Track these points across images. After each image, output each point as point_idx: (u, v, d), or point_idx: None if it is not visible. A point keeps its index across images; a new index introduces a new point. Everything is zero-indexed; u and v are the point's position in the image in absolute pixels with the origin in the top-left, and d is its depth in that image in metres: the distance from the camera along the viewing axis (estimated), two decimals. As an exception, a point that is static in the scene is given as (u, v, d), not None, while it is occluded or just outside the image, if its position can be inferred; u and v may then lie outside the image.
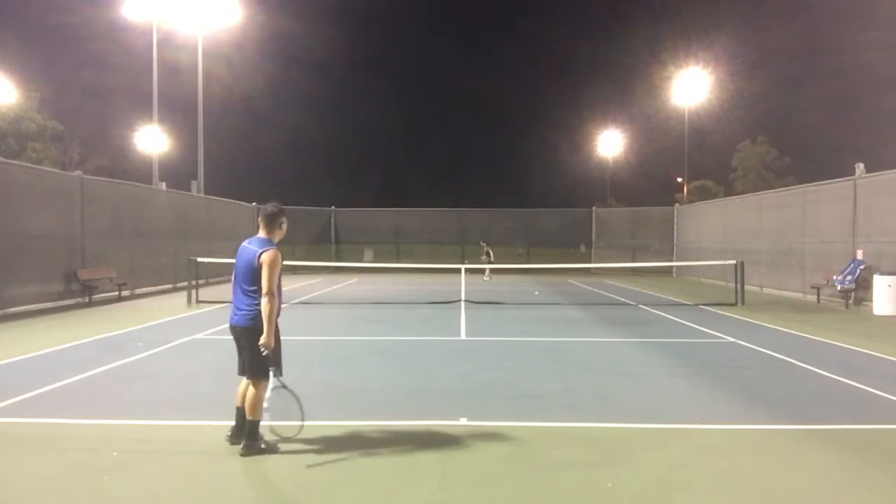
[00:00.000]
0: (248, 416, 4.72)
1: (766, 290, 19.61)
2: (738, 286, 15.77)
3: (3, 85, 35.62)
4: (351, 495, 4.08)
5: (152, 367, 7.90)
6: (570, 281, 24.37)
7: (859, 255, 15.10)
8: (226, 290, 19.01)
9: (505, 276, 26.14)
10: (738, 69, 51.95)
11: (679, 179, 48.63)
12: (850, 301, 15.07)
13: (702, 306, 15.32)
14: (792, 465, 4.63)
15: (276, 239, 4.90)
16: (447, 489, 4.13)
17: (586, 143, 70.12)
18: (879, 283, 13.64)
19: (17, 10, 64.02)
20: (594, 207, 34.62)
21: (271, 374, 4.76)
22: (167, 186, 22.10)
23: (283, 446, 4.83)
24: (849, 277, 14.94)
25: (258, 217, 4.99)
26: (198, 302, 15.12)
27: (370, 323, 12.23)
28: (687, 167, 40.56)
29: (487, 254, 24.49)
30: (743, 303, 15.48)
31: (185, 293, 15.86)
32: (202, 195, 25.58)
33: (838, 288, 15.20)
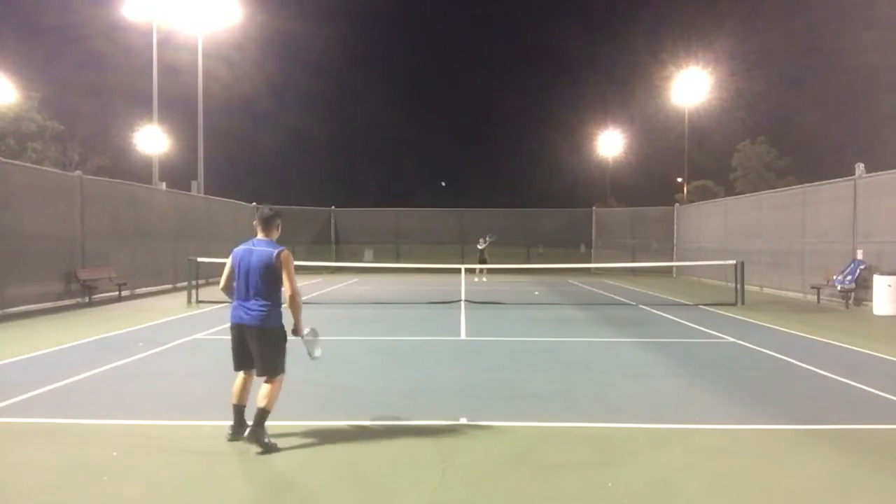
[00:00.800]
0: (262, 405, 4.77)
1: (766, 290, 19.61)
2: (738, 286, 15.77)
3: (3, 85, 35.62)
4: (351, 495, 4.08)
5: (152, 367, 7.90)
6: (570, 281, 24.37)
7: (859, 255, 15.10)
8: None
9: (505, 276, 26.15)
10: (738, 69, 51.86)
11: (679, 179, 48.70)
12: (850, 301, 15.07)
13: (702, 306, 15.32)
14: (792, 465, 4.63)
15: (275, 239, 5.08)
16: (447, 489, 4.13)
17: (586, 143, 70.14)
18: (879, 283, 13.64)
19: (17, 10, 64.02)
20: (594, 207, 34.63)
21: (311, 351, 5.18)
22: (167, 186, 22.10)
23: (282, 446, 4.83)
24: (849, 277, 14.94)
25: (255, 220, 5.12)
26: (198, 302, 15.13)
27: (370, 323, 12.23)
28: (687, 167, 40.59)
29: (482, 251, 24.44)
30: (743, 303, 15.49)
31: (185, 293, 15.86)
32: (202, 195, 25.58)
33: (838, 288, 15.20)
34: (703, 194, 46.92)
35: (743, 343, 9.88)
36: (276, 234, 5.09)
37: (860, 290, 14.81)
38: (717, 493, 4.11)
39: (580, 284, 22.77)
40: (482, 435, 5.21)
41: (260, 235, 5.04)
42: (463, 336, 10.66)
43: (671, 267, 27.53)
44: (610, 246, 30.96)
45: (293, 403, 6.20)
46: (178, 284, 19.39)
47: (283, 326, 4.94)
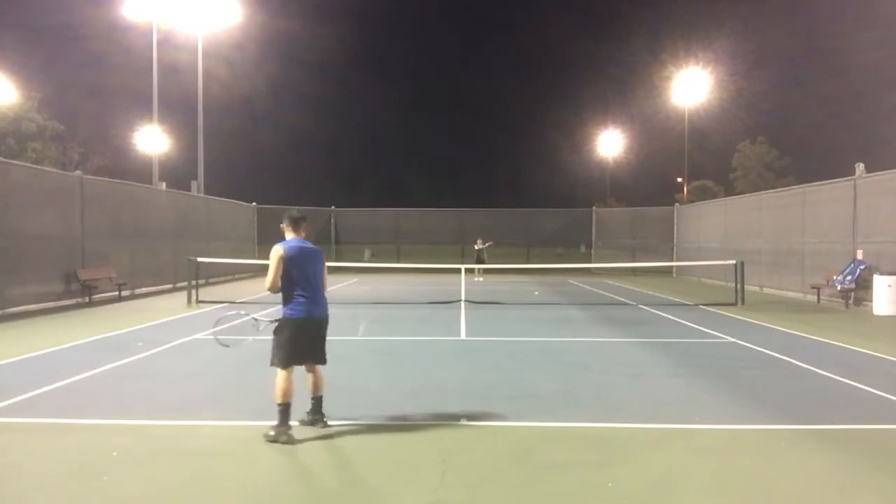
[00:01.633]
0: (322, 392, 5.28)
1: (766, 290, 19.61)
2: (738, 286, 15.77)
3: (3, 85, 35.61)
4: (351, 495, 4.08)
5: (152, 367, 7.90)
6: (571, 281, 24.37)
7: (859, 255, 15.10)
8: (226, 291, 19.07)
9: (505, 276, 26.15)
10: (738, 69, 51.82)
11: (679, 179, 48.66)
12: (850, 301, 15.07)
13: (702, 306, 15.32)
14: (792, 465, 4.63)
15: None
16: (447, 489, 4.13)
17: (586, 143, 70.06)
18: (879, 283, 13.64)
19: (17, 10, 64.04)
20: (594, 207, 34.63)
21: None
22: (167, 186, 22.10)
23: (282, 446, 4.84)
24: (849, 277, 14.94)
25: (284, 222, 5.39)
26: (198, 302, 15.13)
27: (370, 323, 12.23)
28: (687, 167, 40.58)
29: (480, 251, 24.61)
30: (743, 303, 15.48)
31: (185, 293, 15.86)
32: (202, 195, 25.58)
33: (838, 288, 15.20)
34: (703, 194, 46.92)
35: (743, 343, 9.88)
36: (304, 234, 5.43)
37: (860, 290, 14.81)
38: (717, 493, 4.11)
39: (580, 284, 22.77)
40: (482, 435, 5.21)
41: (293, 235, 5.32)
42: (463, 336, 10.66)
43: (671, 267, 27.54)
44: (610, 246, 30.96)
45: (293, 403, 6.21)
46: (178, 284, 19.39)
47: None
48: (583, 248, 32.65)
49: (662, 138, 57.81)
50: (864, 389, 6.87)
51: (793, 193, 19.47)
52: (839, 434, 5.34)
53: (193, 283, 15.68)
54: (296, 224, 5.37)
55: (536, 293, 19.09)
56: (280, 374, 5.05)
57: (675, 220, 28.96)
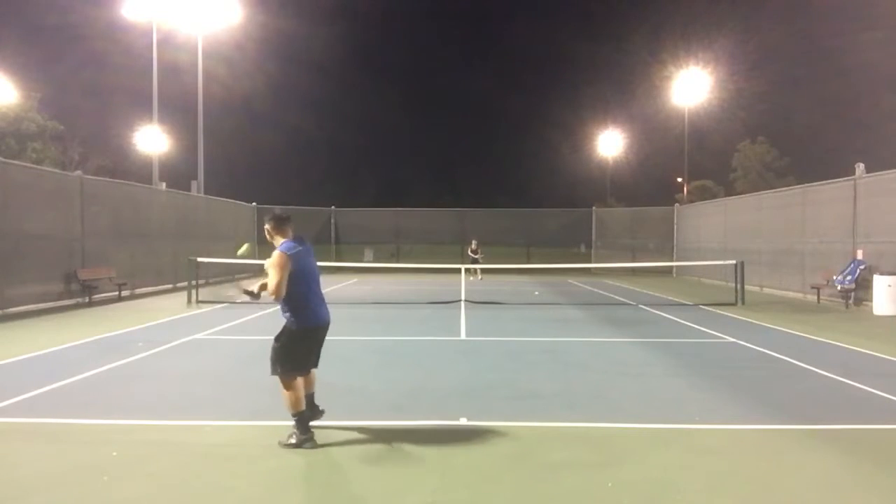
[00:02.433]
0: (313, 389, 5.23)
1: (766, 290, 19.61)
2: (738, 286, 15.77)
3: (3, 85, 35.61)
4: (351, 495, 4.08)
5: (152, 367, 7.90)
6: (571, 281, 24.37)
7: (859, 255, 15.10)
8: (225, 291, 19.03)
9: (505, 276, 26.15)
10: (738, 69, 51.88)
11: (679, 179, 48.64)
12: (850, 301, 15.07)
13: (702, 306, 15.32)
14: (792, 465, 4.63)
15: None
16: (447, 489, 4.13)
17: (586, 143, 70.12)
18: (879, 283, 13.64)
19: (17, 10, 64.00)
20: (594, 207, 34.61)
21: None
22: (167, 186, 22.09)
23: (281, 446, 4.83)
24: (849, 277, 14.93)
25: (270, 224, 5.09)
26: (198, 302, 15.13)
27: (370, 323, 12.23)
28: (687, 167, 40.59)
29: (474, 252, 24.87)
30: (743, 303, 15.48)
31: (185, 293, 15.86)
32: (202, 195, 25.58)
33: (838, 288, 15.20)
34: (703, 194, 46.93)
35: (743, 343, 9.88)
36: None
37: (860, 290, 14.81)
38: (717, 493, 4.11)
39: (580, 284, 22.76)
40: (482, 435, 5.21)
41: (283, 237, 5.01)
42: (463, 336, 10.66)
43: (671, 267, 27.53)
44: (610, 246, 30.96)
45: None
46: (178, 284, 19.38)
47: None
48: (583, 248, 32.65)
49: (662, 138, 57.84)
50: (864, 389, 6.87)
51: (793, 193, 19.47)
52: (839, 434, 5.34)
53: (193, 283, 15.68)
54: (284, 224, 5.05)
55: (536, 293, 19.09)
56: (291, 384, 4.86)
57: (675, 220, 28.96)
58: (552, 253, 31.23)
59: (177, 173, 37.28)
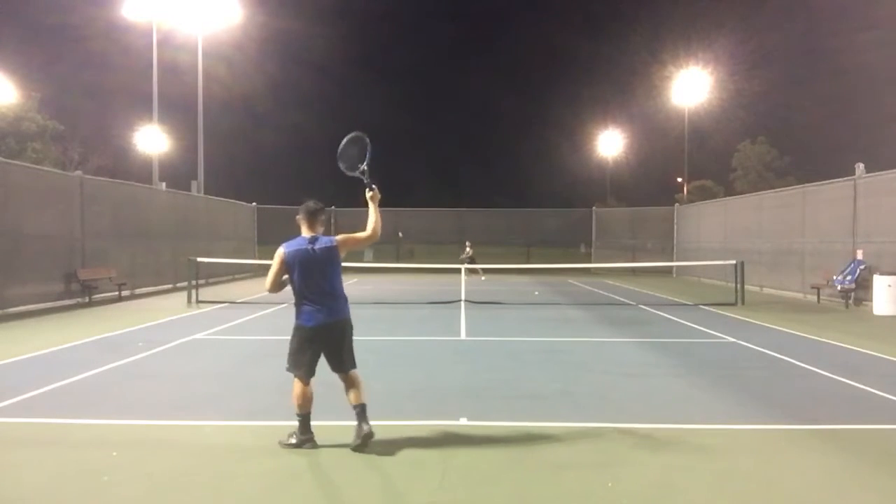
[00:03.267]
0: (364, 399, 4.88)
1: (766, 290, 19.61)
2: (738, 286, 15.77)
3: (3, 85, 35.60)
4: (351, 495, 4.08)
5: (152, 367, 7.90)
6: (571, 281, 24.37)
7: (859, 255, 15.10)
8: (226, 290, 19.06)
9: (505, 276, 26.15)
10: (738, 69, 51.81)
11: (679, 179, 48.67)
12: (850, 301, 15.07)
13: (702, 306, 15.32)
14: (792, 465, 4.63)
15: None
16: (447, 489, 4.13)
17: (586, 143, 69.98)
18: (879, 283, 13.64)
19: (17, 10, 63.99)
20: (594, 207, 34.61)
21: None
22: (167, 186, 22.10)
23: (281, 447, 4.83)
24: (849, 277, 14.93)
25: (300, 213, 4.92)
26: (198, 302, 15.12)
27: (370, 323, 12.22)
28: (687, 167, 40.60)
29: (467, 253, 25.12)
30: (743, 303, 15.48)
31: (185, 293, 15.86)
32: (202, 195, 25.58)
33: (838, 288, 15.20)
34: (703, 194, 46.88)
35: (743, 343, 9.88)
36: (320, 229, 5.02)
37: (860, 290, 14.81)
38: (717, 493, 4.11)
39: (580, 284, 22.76)
40: (482, 435, 5.21)
41: (308, 231, 4.91)
42: (463, 336, 10.66)
43: (671, 267, 27.53)
44: (610, 246, 30.96)
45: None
46: (178, 284, 19.38)
47: None
48: (583, 248, 32.66)
49: (662, 138, 57.77)
50: (864, 389, 6.87)
51: (793, 193, 19.47)
52: (839, 434, 5.34)
53: (193, 283, 15.68)
54: (312, 216, 4.90)
55: (536, 293, 19.09)
56: (295, 382, 4.88)
57: (675, 220, 28.95)
58: (552, 253, 31.25)
59: (177, 173, 37.29)
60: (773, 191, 22.65)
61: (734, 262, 16.35)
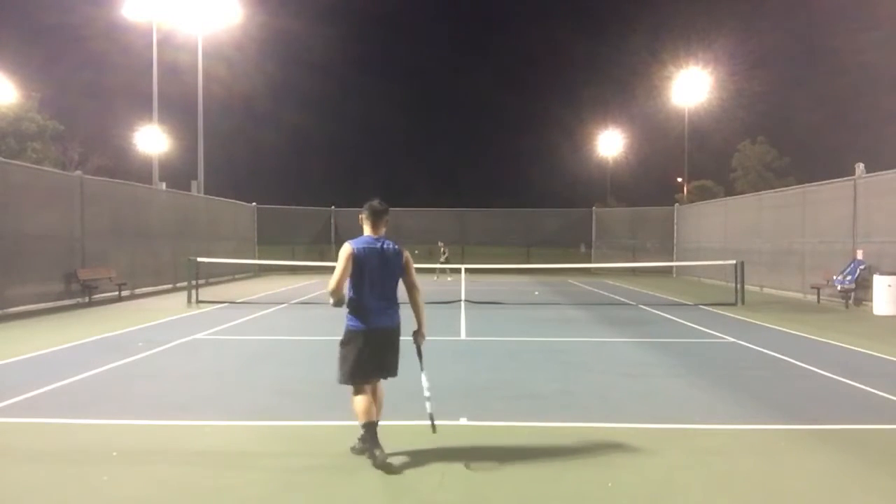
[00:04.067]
0: (376, 418, 4.63)
1: (766, 290, 19.61)
2: (738, 286, 15.77)
3: (3, 85, 35.59)
4: (351, 495, 4.08)
5: (152, 367, 7.90)
6: (571, 281, 24.37)
7: (859, 255, 15.10)
8: (225, 290, 19.05)
9: (505, 276, 26.14)
10: (738, 69, 51.94)
11: (679, 179, 48.66)
12: (850, 301, 15.07)
13: (702, 306, 15.32)
14: (792, 465, 4.63)
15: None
16: (447, 489, 4.13)
17: (586, 143, 70.09)
18: (879, 283, 13.64)
19: (17, 10, 64.05)
20: (594, 207, 34.62)
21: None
22: (167, 186, 22.10)
23: (281, 447, 4.83)
24: (849, 277, 14.93)
25: (364, 212, 4.77)
26: (198, 302, 15.12)
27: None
28: (687, 167, 40.60)
29: (443, 253, 25.38)
30: (743, 303, 15.48)
31: (185, 293, 15.85)
32: (202, 195, 25.57)
33: (838, 288, 15.19)
34: (703, 194, 46.89)
35: (743, 343, 9.88)
36: (384, 230, 4.87)
37: (860, 290, 14.81)
38: (717, 493, 4.11)
39: (580, 284, 22.76)
40: (482, 435, 5.21)
41: (372, 232, 4.78)
42: (463, 336, 10.66)
43: (671, 267, 27.53)
44: (610, 246, 30.97)
45: (293, 403, 6.21)
46: (178, 284, 19.38)
47: None
48: (583, 248, 32.66)
49: (662, 138, 57.84)
50: (864, 389, 6.87)
51: (793, 193, 19.47)
52: (839, 434, 5.34)
53: (193, 283, 15.68)
54: (377, 217, 4.72)
55: (536, 293, 19.09)
56: (354, 393, 4.68)
57: (675, 220, 28.96)
58: (552, 253, 31.25)
59: (177, 173, 37.30)
60: (773, 191, 22.65)
61: (734, 262, 16.36)
